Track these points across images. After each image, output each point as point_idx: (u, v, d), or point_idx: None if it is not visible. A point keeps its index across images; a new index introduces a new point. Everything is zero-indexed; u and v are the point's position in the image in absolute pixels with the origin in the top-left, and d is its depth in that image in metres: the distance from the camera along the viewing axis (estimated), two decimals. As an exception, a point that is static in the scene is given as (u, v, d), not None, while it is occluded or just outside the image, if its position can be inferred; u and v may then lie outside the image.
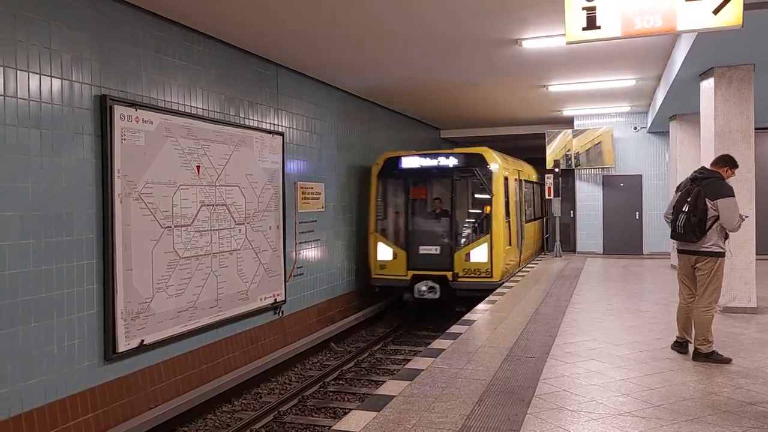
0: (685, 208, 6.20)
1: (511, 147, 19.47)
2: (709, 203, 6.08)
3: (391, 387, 5.52)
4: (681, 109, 12.93)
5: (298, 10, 7.54)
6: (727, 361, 6.19)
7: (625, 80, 12.44)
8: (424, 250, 12.36)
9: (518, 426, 4.52)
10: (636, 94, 14.23)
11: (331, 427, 4.60)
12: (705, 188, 6.16)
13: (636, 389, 5.39)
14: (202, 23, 7.94)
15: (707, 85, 9.20)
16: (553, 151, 17.95)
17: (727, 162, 6.43)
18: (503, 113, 17.16)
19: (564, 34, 5.99)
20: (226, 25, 8.08)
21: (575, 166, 17.71)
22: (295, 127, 10.67)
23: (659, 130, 16.52)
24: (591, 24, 5.71)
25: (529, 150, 21.46)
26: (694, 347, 6.38)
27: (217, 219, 8.28)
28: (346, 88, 12.72)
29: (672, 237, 6.48)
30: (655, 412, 4.81)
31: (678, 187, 6.65)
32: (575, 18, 5.74)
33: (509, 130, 19.81)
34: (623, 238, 17.41)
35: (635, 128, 17.32)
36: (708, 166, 6.60)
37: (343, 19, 8.03)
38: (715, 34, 6.61)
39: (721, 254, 6.23)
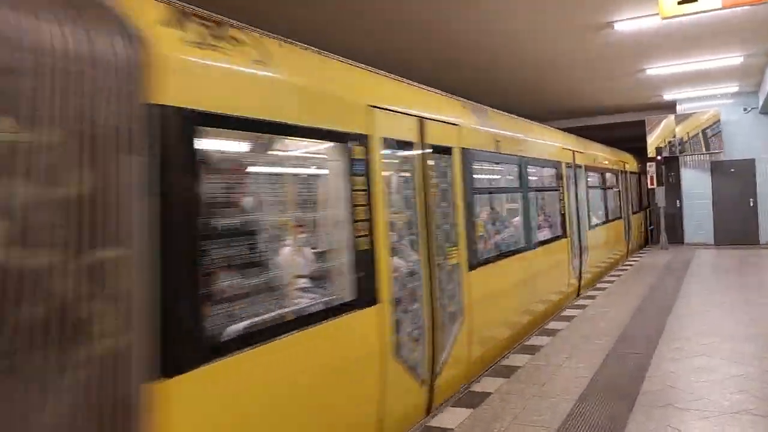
0: None
1: (607, 137, 18.69)
2: None
3: (487, 384, 5.41)
4: (797, 85, 11.97)
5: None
6: None
7: (731, 57, 11.65)
8: None
9: (623, 425, 4.31)
10: (744, 73, 13.29)
11: (425, 423, 4.56)
12: None
13: (754, 386, 4.99)
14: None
15: (826, 56, 8.46)
16: (655, 139, 17.08)
17: None
18: (598, 101, 16.55)
19: (658, 13, 5.71)
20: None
21: (680, 153, 16.74)
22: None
23: (773, 110, 15.33)
24: (687, -3, 5.39)
25: (629, 140, 20.50)
26: None
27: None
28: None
29: None
30: (777, 410, 4.43)
31: None
32: (670, -8, 5.44)
33: (607, 119, 19.06)
34: (736, 228, 16.22)
35: (745, 109, 16.14)
36: None
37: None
38: (833, -2, 6.08)
39: None
